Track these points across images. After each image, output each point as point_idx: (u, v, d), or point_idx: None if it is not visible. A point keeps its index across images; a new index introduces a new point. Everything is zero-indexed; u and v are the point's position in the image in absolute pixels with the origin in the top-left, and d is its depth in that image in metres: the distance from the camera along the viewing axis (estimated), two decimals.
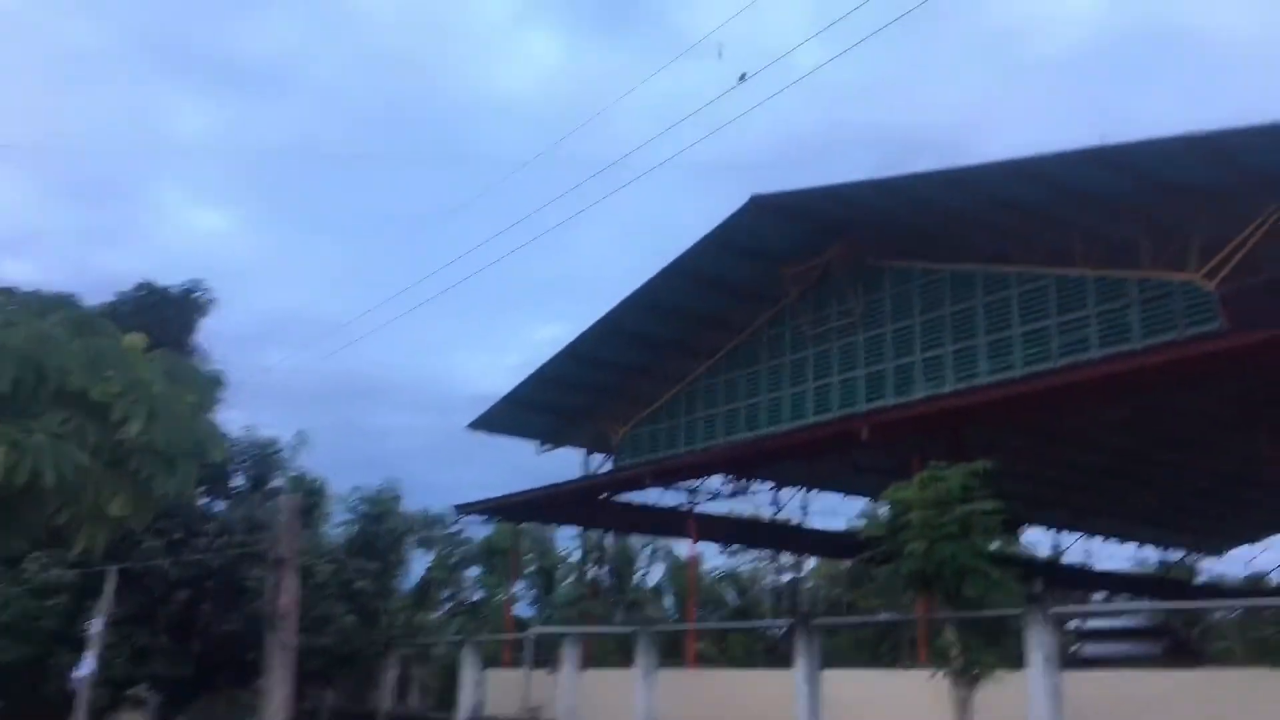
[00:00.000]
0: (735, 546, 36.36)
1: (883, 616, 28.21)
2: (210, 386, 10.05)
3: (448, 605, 36.79)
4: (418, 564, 35.82)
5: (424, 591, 35.14)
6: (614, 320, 23.46)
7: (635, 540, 39.18)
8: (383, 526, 24.42)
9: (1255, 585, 33.48)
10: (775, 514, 28.89)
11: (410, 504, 34.29)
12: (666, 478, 24.43)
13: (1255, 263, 15.04)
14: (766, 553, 37.14)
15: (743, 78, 13.55)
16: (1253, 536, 33.58)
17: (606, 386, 25.95)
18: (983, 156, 16.56)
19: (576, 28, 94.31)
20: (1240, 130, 13.50)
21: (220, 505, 22.41)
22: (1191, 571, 37.08)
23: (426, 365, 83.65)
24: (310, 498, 22.99)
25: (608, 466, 26.88)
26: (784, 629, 20.75)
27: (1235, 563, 35.79)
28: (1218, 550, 35.63)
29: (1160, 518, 31.16)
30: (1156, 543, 34.90)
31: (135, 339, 9.58)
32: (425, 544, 34.98)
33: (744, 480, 25.87)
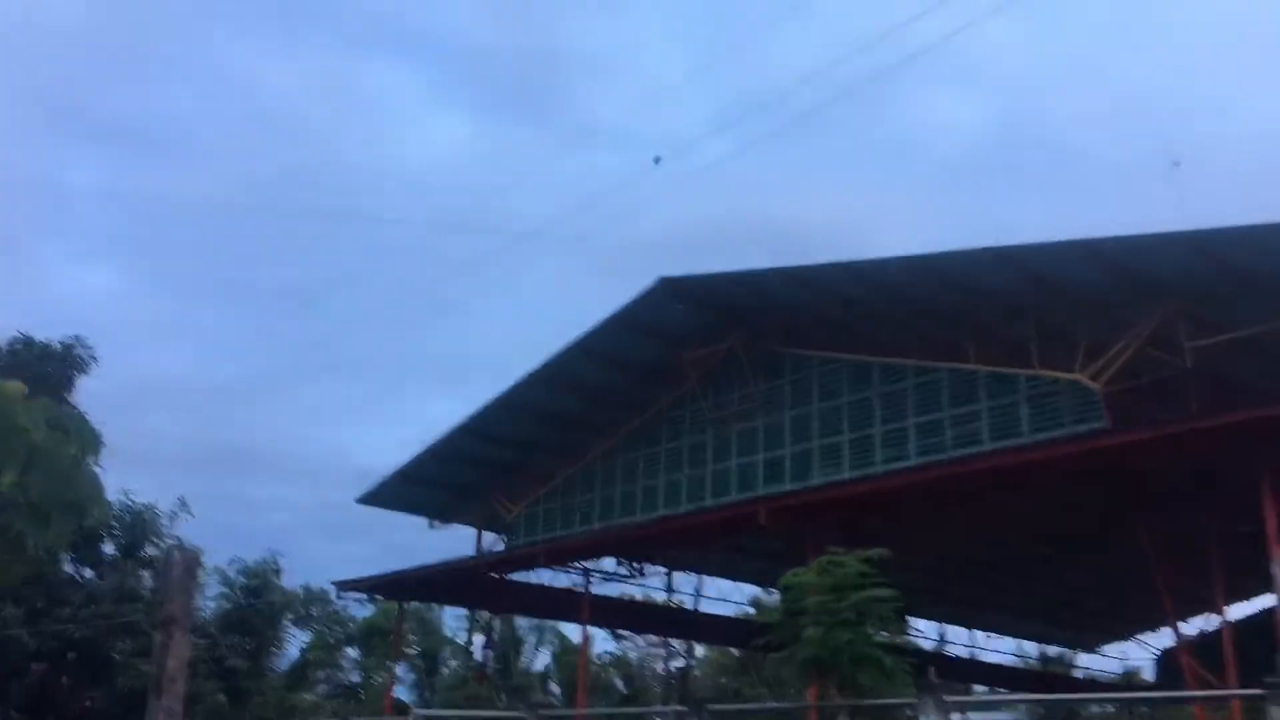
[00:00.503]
0: (625, 631, 35.87)
1: (776, 704, 28.02)
2: (94, 439, 9.50)
3: (324, 687, 35.27)
4: (294, 642, 34.46)
5: (300, 671, 33.65)
6: (513, 396, 23.23)
7: (523, 622, 38.34)
8: (259, 601, 23.39)
9: (1129, 680, 34.42)
10: (668, 598, 28.68)
11: (290, 580, 33.07)
12: (560, 558, 24.05)
13: (1138, 366, 15.72)
14: (656, 639, 36.73)
15: (657, 160, 13.80)
16: (1127, 633, 34.58)
17: (502, 463, 25.56)
18: (876, 254, 17.12)
19: (486, 109, 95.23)
20: (1124, 239, 14.26)
21: (89, 573, 21.19)
22: (1069, 665, 37.95)
23: (314, 437, 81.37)
24: None
25: (501, 545, 26.35)
26: (676, 716, 20.39)
27: (1110, 658, 36.80)
28: (1094, 646, 36.56)
29: (1041, 612, 31.88)
30: (1037, 637, 35.67)
31: (14, 386, 9.05)
32: (303, 622, 33.65)
33: (639, 563, 25.65)
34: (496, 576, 25.96)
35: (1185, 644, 20.42)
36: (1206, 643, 20.20)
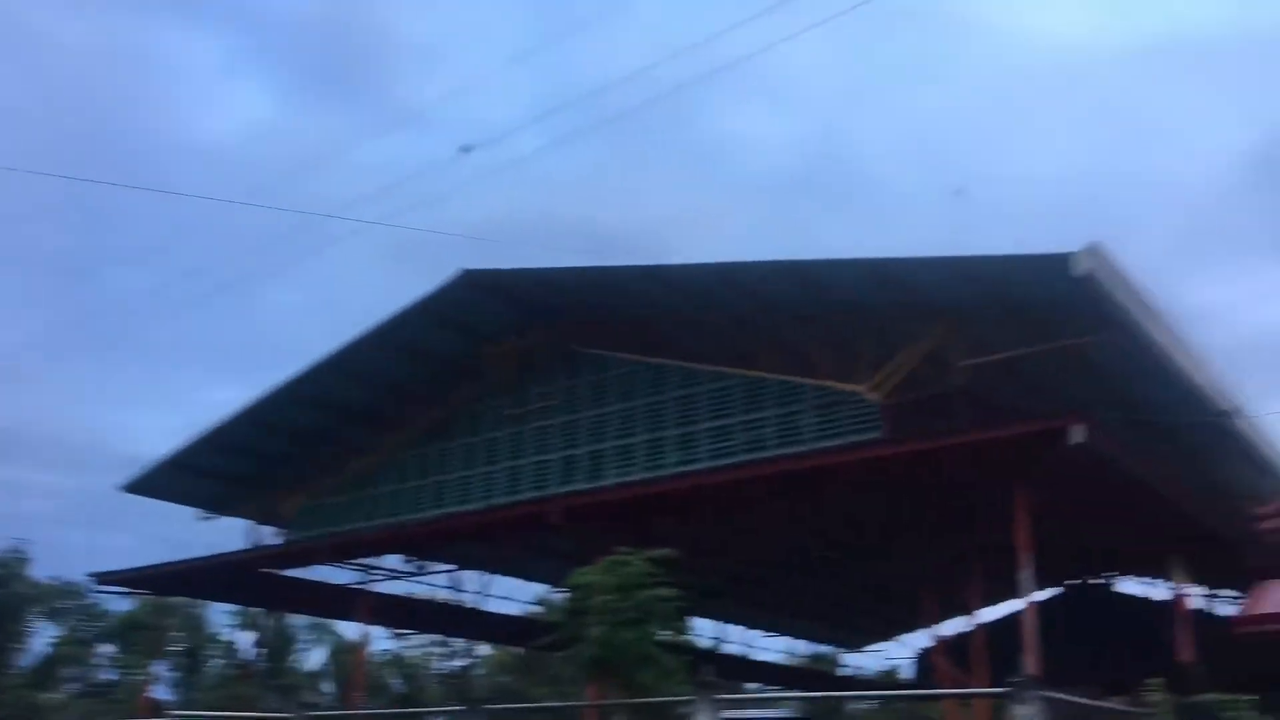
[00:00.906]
0: (405, 630, 35.08)
1: (554, 704, 28.06)
2: None
3: (74, 685, 32.77)
4: (43, 637, 31.93)
5: (47, 668, 31.14)
6: (301, 385, 22.25)
7: (299, 620, 36.89)
8: (4, 593, 21.48)
9: (888, 678, 36.49)
10: (452, 597, 28.23)
11: (41, 571, 30.57)
12: (341, 554, 23.26)
13: (914, 381, 16.64)
14: (437, 637, 36.11)
15: (466, 150, 13.54)
16: (891, 634, 36.62)
17: (286, 454, 24.44)
18: (681, 260, 17.52)
19: (291, 83, 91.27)
20: (905, 260, 15.10)
21: None
22: (835, 664, 39.87)
23: (80, 419, 75.55)
24: None
25: (280, 540, 25.20)
26: (453, 716, 20.07)
27: (874, 657, 38.90)
28: (858, 645, 38.53)
29: (816, 613, 33.31)
30: (810, 637, 37.27)
31: None
32: (55, 616, 31.16)
33: (425, 560, 25.13)
34: (271, 572, 24.85)
35: (940, 645, 21.83)
36: (960, 644, 21.67)
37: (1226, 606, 24.02)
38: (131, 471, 24.82)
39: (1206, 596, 24.88)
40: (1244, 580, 18.54)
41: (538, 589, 31.00)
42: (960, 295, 15.65)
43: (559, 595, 27.33)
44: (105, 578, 25.74)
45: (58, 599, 33.21)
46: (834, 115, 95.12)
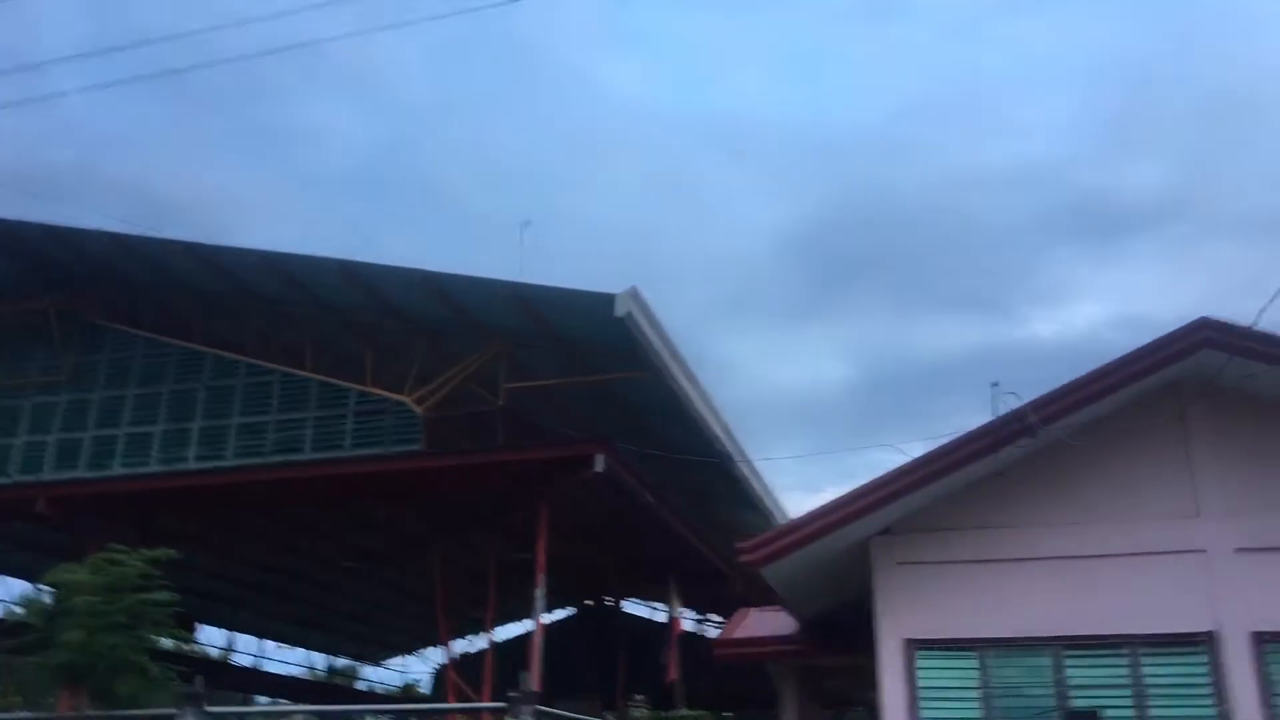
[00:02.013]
0: None
1: (22, 714, 24.78)
2: None
3: None
4: None
5: None
6: None
7: None
8: None
9: (407, 692, 36.44)
10: None
11: None
12: None
13: (459, 397, 16.83)
14: None
15: None
16: (412, 648, 36.59)
17: None
18: (231, 243, 16.43)
19: None
20: (461, 278, 15.29)
21: None
22: (353, 677, 39.08)
23: None
24: None
25: None
26: None
27: (395, 672, 38.66)
28: (377, 658, 38.12)
29: (336, 625, 32.46)
30: (328, 649, 36.24)
31: None
32: None
33: None
34: None
35: (455, 660, 22.12)
36: (475, 660, 22.11)
37: (712, 630, 26.70)
38: None
39: (697, 620, 27.51)
40: (728, 607, 20.68)
41: (25, 586, 27.34)
42: (512, 320, 16.10)
43: (42, 594, 24.29)
44: None
45: None
46: (414, 124, 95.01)
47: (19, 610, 27.45)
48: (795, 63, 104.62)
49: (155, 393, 18.45)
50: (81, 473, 18.02)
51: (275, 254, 15.74)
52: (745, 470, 19.89)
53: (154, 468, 17.79)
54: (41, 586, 22.63)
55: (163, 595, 12.10)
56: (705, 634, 26.92)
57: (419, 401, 16.88)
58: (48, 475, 18.17)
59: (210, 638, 31.80)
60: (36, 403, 18.90)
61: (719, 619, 26.32)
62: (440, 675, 28.56)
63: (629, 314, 14.29)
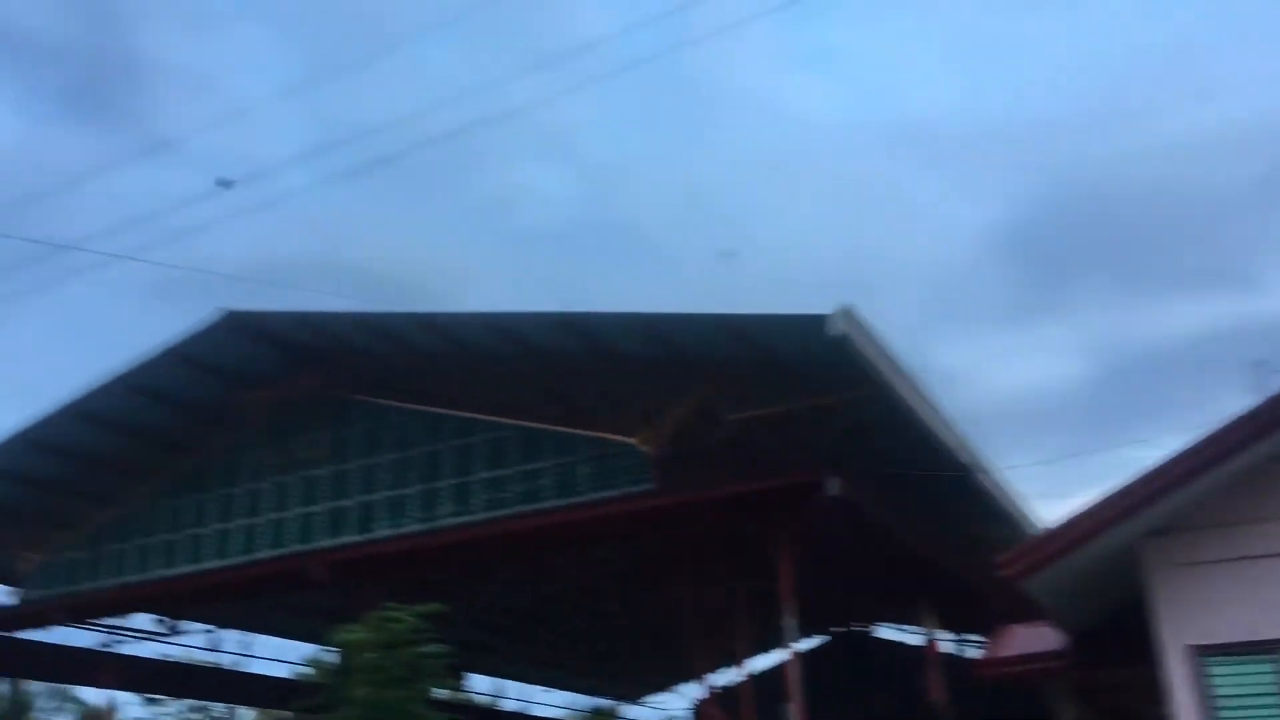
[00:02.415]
0: (158, 695, 32.57)
1: None
2: None
3: None
4: None
5: None
6: (38, 430, 20.44)
7: (40, 686, 33.66)
8: None
9: None
10: (211, 659, 26.50)
11: None
12: (80, 614, 21.41)
13: (683, 434, 16.98)
14: (195, 702, 33.69)
15: (224, 184, 12.94)
16: (668, 685, 36.92)
17: (20, 506, 22.32)
18: (456, 309, 17.32)
19: (39, 105, 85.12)
20: (673, 316, 15.46)
21: None
22: (615, 716, 39.78)
23: None
24: None
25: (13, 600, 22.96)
26: None
27: (654, 709, 39.07)
28: (637, 697, 38.66)
29: (590, 666, 33.23)
30: (589, 690, 37.09)
31: None
32: None
33: (179, 619, 23.49)
34: (4, 635, 22.61)
35: (713, 694, 22.17)
36: (731, 693, 22.07)
37: (972, 650, 25.57)
38: None
39: (955, 641, 26.41)
40: (987, 625, 19.78)
41: (307, 648, 29.53)
42: (725, 351, 16.13)
43: (327, 655, 26.14)
44: None
45: None
46: (609, 173, 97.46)
47: (309, 672, 29.68)
48: (977, 57, 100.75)
49: (406, 457, 19.58)
50: (349, 538, 19.31)
51: (496, 314, 16.47)
52: (988, 481, 19.03)
53: (412, 527, 18.85)
54: (326, 648, 24.44)
55: (435, 648, 12.77)
56: (965, 655, 25.85)
57: (646, 441, 17.14)
58: (320, 542, 19.58)
59: (477, 686, 33.22)
60: (303, 477, 20.44)
61: (978, 638, 25.18)
62: (699, 710, 28.70)
63: (843, 333, 14.03)
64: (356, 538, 19.26)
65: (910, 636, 26.54)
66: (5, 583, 23.26)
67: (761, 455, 17.37)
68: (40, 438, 20.59)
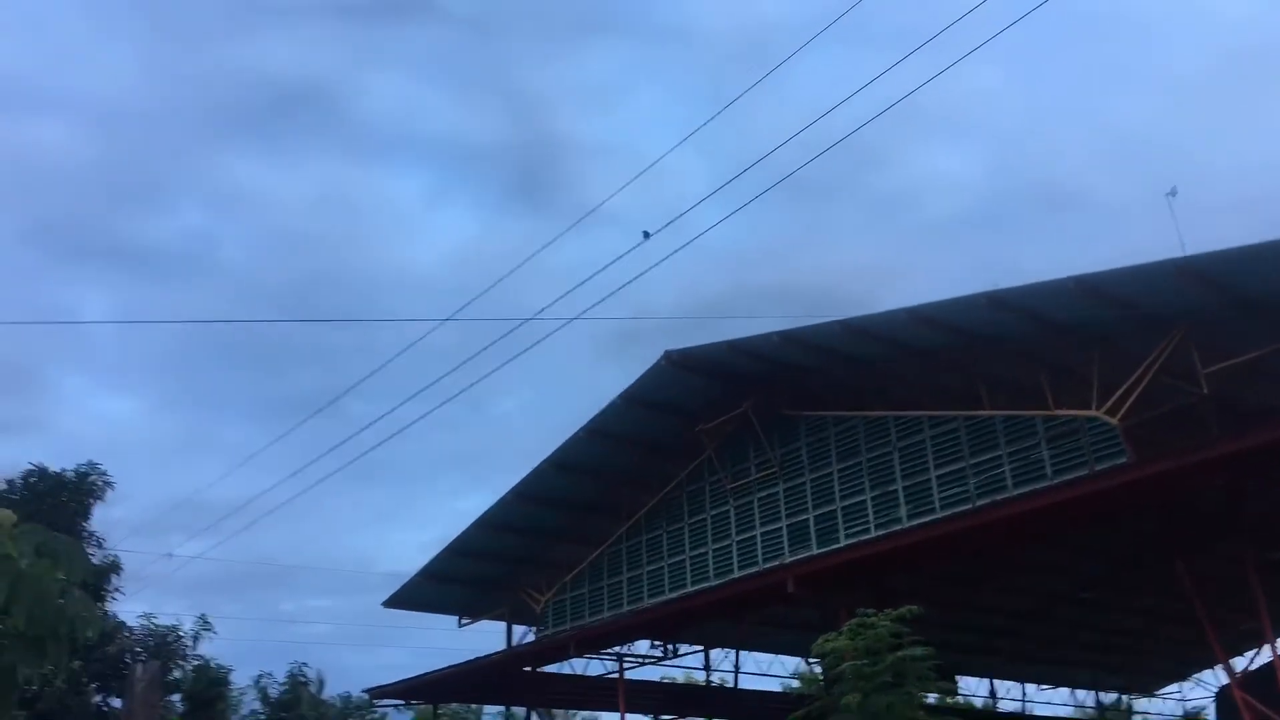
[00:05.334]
0: (665, 715, 35.08)
1: None
2: (83, 563, 9.40)
3: None
4: None
5: None
6: (529, 485, 23.10)
7: (562, 714, 37.63)
8: (288, 716, 23.02)
9: None
10: (707, 678, 28.11)
11: (329, 690, 32.63)
12: (590, 645, 23.65)
13: (1153, 397, 15.49)
14: None
15: (646, 235, 13.88)
16: (1183, 673, 33.59)
17: (526, 554, 25.32)
18: (881, 309, 17.09)
19: (487, 205, 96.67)
20: (1120, 271, 14.12)
21: (117, 702, 20.92)
22: (1128, 712, 36.81)
23: (340, 546, 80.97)
24: (213, 688, 21.62)
25: (532, 638, 25.98)
26: None
27: (1171, 700, 35.71)
28: (1150, 689, 35.52)
29: (1090, 659, 31.05)
30: (1089, 685, 34.69)
31: (3, 514, 8.99)
32: None
33: (671, 643, 25.21)
34: (529, 670, 25.56)
35: (1239, 680, 19.78)
36: (1260, 677, 19.56)
37: None
38: (393, 588, 26.37)
39: None
40: None
41: (792, 662, 30.44)
42: (1186, 299, 14.51)
43: (810, 666, 26.73)
44: (379, 691, 27.22)
45: (345, 716, 35.36)
46: (1020, 139, 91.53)
47: (797, 684, 30.57)
48: None
49: (855, 464, 19.68)
50: (814, 550, 19.69)
51: (922, 306, 16.05)
52: None
53: (874, 533, 18.83)
54: (809, 660, 25.02)
55: (920, 650, 12.59)
56: None
57: (1111, 412, 15.84)
58: (788, 558, 20.15)
59: (971, 688, 32.28)
60: (761, 497, 21.21)
61: None
62: (1223, 699, 25.78)
63: None
64: (820, 549, 19.57)
65: None
66: (524, 622, 26.37)
67: (1247, 408, 15.40)
68: (530, 492, 23.24)
